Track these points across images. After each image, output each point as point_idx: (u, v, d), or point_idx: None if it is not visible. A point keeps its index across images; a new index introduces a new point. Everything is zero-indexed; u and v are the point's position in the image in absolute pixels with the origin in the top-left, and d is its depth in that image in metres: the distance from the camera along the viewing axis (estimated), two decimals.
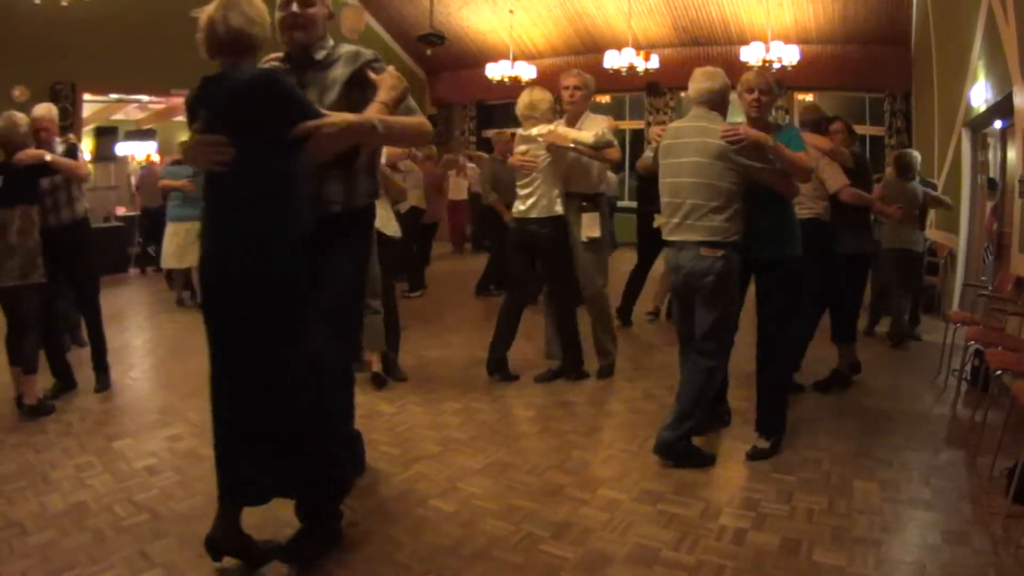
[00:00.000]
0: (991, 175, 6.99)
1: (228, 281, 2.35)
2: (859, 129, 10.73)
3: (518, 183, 4.63)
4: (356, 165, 2.61)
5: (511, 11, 11.75)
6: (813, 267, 4.06)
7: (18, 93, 8.89)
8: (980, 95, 6.08)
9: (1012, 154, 5.67)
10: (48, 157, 4.13)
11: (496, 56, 12.15)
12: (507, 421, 4.08)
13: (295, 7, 2.57)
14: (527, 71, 11.62)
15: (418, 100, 10.84)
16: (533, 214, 4.53)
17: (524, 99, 4.59)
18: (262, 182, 2.34)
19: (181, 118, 14.67)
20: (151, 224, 9.73)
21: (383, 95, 2.53)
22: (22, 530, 2.71)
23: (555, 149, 4.46)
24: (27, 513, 2.85)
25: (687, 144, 3.45)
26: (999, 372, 3.61)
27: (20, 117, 4.11)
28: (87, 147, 12.40)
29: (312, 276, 2.45)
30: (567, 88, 4.66)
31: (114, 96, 11.74)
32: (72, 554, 2.54)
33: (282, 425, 2.41)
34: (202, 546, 2.40)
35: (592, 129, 4.52)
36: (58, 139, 4.51)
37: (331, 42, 2.72)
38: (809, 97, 11.41)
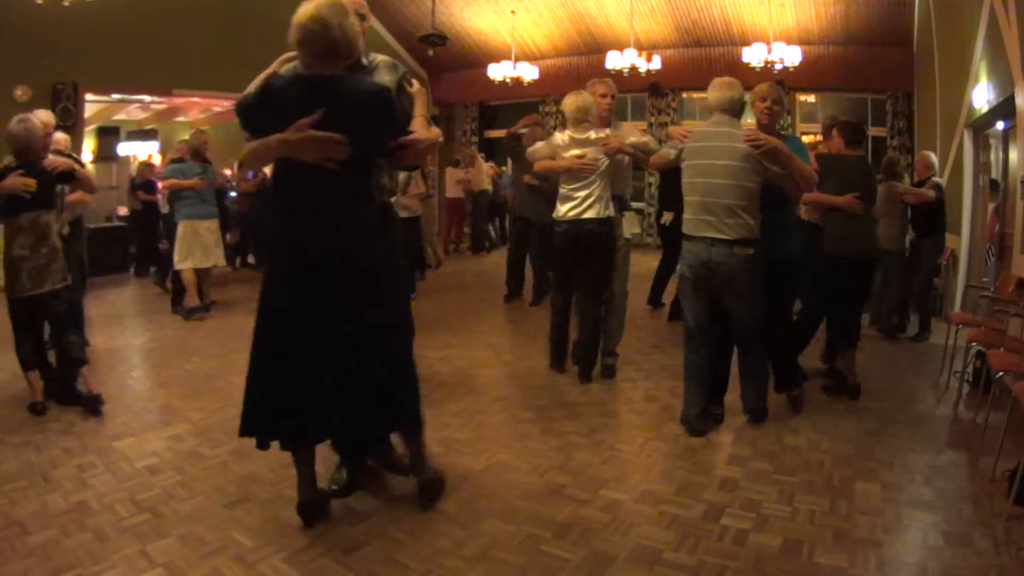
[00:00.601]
0: (993, 176, 6.99)
1: (316, 263, 2.62)
2: None
3: (568, 185, 4.65)
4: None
5: (513, 12, 11.75)
6: (809, 267, 4.38)
7: (20, 93, 8.90)
8: (982, 96, 6.07)
9: (1014, 155, 5.68)
10: (76, 166, 4.30)
11: (498, 57, 12.15)
12: (508, 422, 4.08)
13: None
14: (529, 72, 11.63)
15: None
16: (590, 214, 4.58)
17: (576, 102, 4.62)
18: (357, 180, 2.66)
19: (183, 118, 14.74)
20: (145, 225, 9.76)
21: (421, 109, 2.84)
22: (23, 529, 2.72)
23: (617, 153, 4.61)
24: (28, 513, 2.86)
25: (717, 147, 3.69)
26: (1001, 373, 3.61)
27: (37, 123, 4.13)
28: (89, 147, 12.45)
29: None
30: (603, 96, 4.77)
31: (116, 96, 11.77)
32: (73, 553, 2.55)
33: (379, 372, 2.75)
34: (192, 547, 2.40)
35: (627, 135, 4.73)
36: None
37: (373, 55, 2.96)
38: (811, 98, 11.42)
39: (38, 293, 4.07)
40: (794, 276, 4.14)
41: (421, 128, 2.79)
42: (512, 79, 11.57)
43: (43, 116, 4.44)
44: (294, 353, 2.64)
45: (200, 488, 3.12)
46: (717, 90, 3.81)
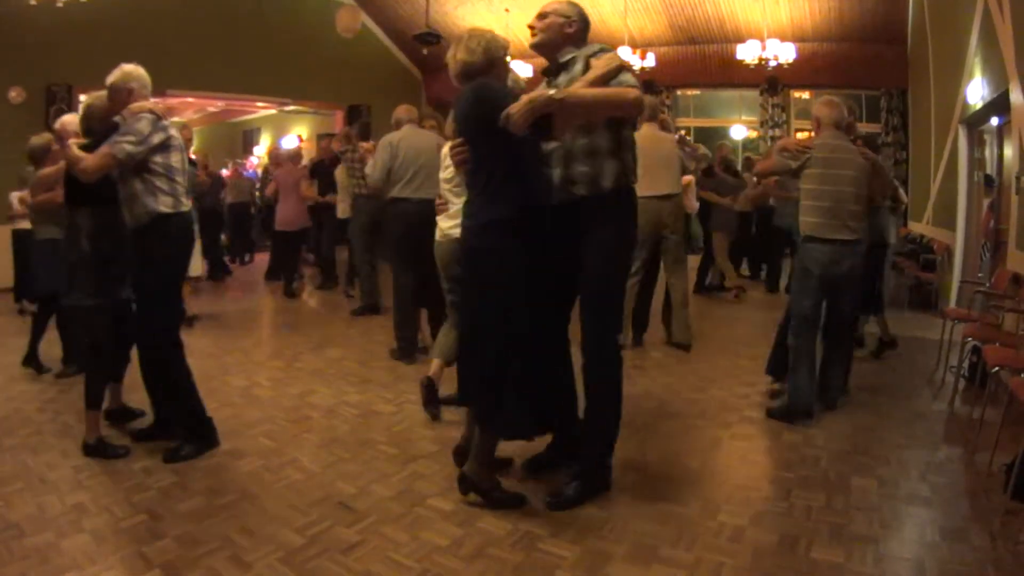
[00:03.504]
0: (988, 172, 7.01)
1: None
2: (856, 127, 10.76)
3: None
4: (550, 139, 2.90)
5: (507, 10, 11.73)
6: None
7: (14, 95, 8.88)
8: (976, 92, 6.09)
9: (1008, 151, 5.68)
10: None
11: None
12: None
13: (534, 20, 3.06)
14: (524, 70, 11.61)
15: (414, 100, 11.00)
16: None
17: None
18: (484, 172, 2.87)
19: (177, 118, 14.71)
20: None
21: (589, 75, 2.84)
22: (20, 532, 2.70)
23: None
24: (25, 515, 2.85)
25: (844, 159, 4.05)
26: (996, 368, 3.62)
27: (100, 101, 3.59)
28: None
29: (575, 257, 2.95)
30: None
31: None
32: (70, 555, 2.54)
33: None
34: (189, 547, 2.40)
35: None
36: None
37: (583, 48, 3.03)
38: (805, 95, 11.43)
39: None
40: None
41: (575, 88, 2.79)
42: None
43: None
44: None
45: (196, 489, 3.11)
46: (828, 108, 4.18)
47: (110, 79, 3.41)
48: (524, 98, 2.67)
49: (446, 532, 2.77)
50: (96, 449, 3.45)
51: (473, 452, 3.00)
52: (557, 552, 2.63)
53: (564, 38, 3.01)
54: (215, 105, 12.78)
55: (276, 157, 9.23)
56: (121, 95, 3.40)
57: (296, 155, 8.70)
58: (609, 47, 3.07)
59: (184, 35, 10.16)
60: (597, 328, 3.00)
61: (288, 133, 15.26)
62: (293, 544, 2.66)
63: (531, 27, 3.06)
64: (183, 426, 3.54)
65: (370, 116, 13.28)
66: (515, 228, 2.79)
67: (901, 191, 6.91)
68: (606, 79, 2.81)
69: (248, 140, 17.28)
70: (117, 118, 3.41)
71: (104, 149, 3.19)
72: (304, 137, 14.85)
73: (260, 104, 13.89)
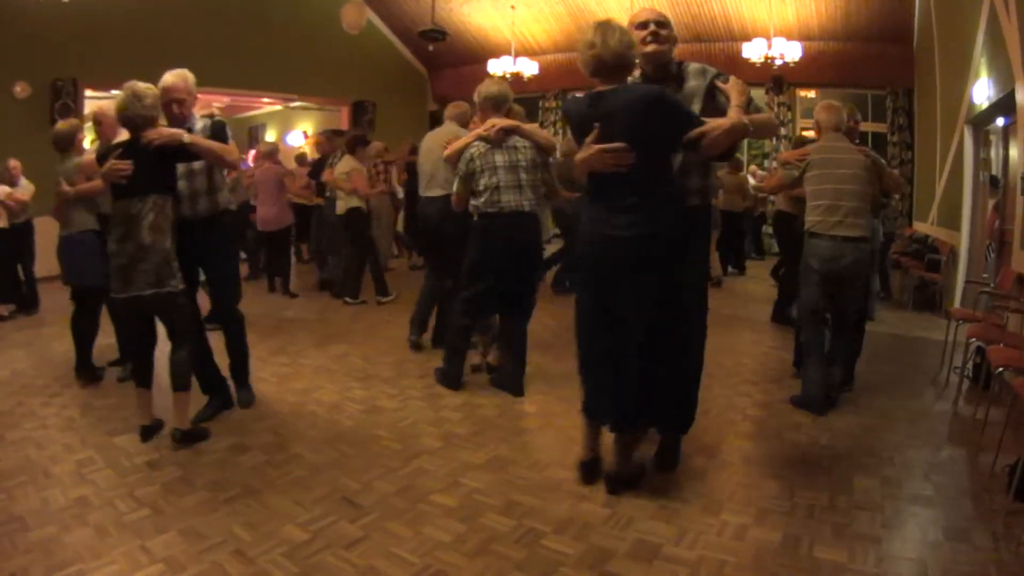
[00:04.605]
0: (993, 172, 6.98)
1: (618, 263, 2.92)
2: (862, 126, 10.71)
3: None
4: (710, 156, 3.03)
5: (513, 7, 11.72)
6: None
7: (19, 89, 8.89)
8: (982, 92, 6.07)
9: (1014, 151, 5.67)
10: (186, 138, 3.53)
11: (498, 52, 12.14)
12: (508, 416, 4.08)
13: (653, 27, 3.06)
14: (529, 67, 11.61)
15: (420, 96, 11.07)
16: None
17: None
18: (650, 181, 2.88)
19: None
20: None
21: (736, 99, 2.93)
22: (23, 525, 2.72)
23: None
24: (28, 508, 2.86)
25: (842, 159, 4.22)
26: (1000, 369, 3.61)
27: (145, 88, 3.53)
28: (87, 142, 12.41)
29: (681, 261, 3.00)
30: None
31: (116, 92, 11.70)
32: (74, 549, 2.55)
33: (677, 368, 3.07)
34: (192, 542, 2.40)
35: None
36: (198, 115, 3.89)
37: (687, 63, 3.19)
38: (811, 94, 11.39)
39: (125, 297, 3.49)
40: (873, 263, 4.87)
41: (732, 116, 2.88)
42: (512, 74, 11.55)
43: (168, 78, 3.74)
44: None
45: (200, 483, 3.12)
46: (828, 112, 4.40)
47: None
48: (724, 124, 2.83)
49: (449, 528, 2.77)
50: (186, 436, 3.52)
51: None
52: (560, 549, 2.63)
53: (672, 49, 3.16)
54: (220, 101, 12.77)
55: (256, 155, 9.11)
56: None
57: (273, 152, 8.37)
58: (721, 72, 3.17)
59: (189, 31, 10.16)
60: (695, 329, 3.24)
61: (293, 129, 15.26)
62: (296, 539, 2.67)
63: (655, 33, 3.06)
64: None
65: (375, 112, 13.28)
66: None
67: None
68: (748, 105, 2.99)
69: (253, 136, 17.28)
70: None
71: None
72: (309, 133, 14.85)
73: (265, 100, 13.90)
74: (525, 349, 4.53)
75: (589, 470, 3.17)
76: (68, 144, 4.56)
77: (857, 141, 4.61)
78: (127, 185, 3.46)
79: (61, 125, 4.64)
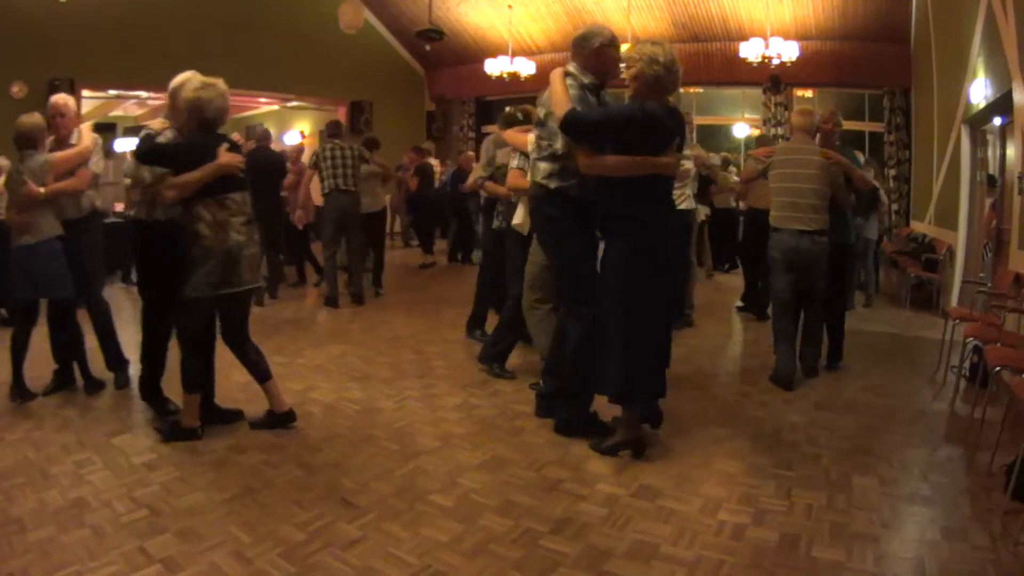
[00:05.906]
0: (990, 172, 6.99)
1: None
2: (858, 126, 10.76)
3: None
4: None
5: (510, 6, 11.73)
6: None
7: (16, 89, 8.88)
8: (979, 92, 6.08)
9: (1011, 151, 5.67)
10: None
11: (495, 52, 12.13)
12: (506, 416, 4.08)
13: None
14: (526, 67, 11.61)
15: (417, 96, 11.10)
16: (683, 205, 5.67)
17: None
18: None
19: None
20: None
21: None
22: (21, 526, 2.71)
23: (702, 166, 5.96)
24: (26, 509, 2.85)
25: (802, 159, 4.66)
26: (998, 368, 3.62)
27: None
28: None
29: None
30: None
31: (113, 92, 11.71)
32: (71, 550, 2.54)
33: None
34: (190, 542, 2.39)
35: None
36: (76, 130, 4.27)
37: None
38: (808, 93, 11.41)
39: (243, 290, 3.61)
40: (847, 256, 5.26)
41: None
42: (509, 74, 11.55)
43: (53, 98, 4.17)
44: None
45: (198, 484, 3.12)
46: (800, 116, 4.86)
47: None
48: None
49: (447, 528, 2.77)
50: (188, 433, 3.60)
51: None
52: (558, 549, 2.63)
53: None
54: None
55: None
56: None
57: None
58: None
59: (186, 30, 10.15)
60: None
61: (290, 129, 15.25)
62: (294, 540, 2.67)
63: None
64: None
65: (372, 112, 13.28)
66: None
67: (882, 192, 7.28)
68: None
69: (251, 136, 17.27)
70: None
71: None
72: (306, 133, 14.84)
73: (262, 100, 13.88)
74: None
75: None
76: (35, 140, 4.14)
77: (837, 143, 4.98)
78: (240, 178, 3.62)
79: (24, 119, 4.15)
